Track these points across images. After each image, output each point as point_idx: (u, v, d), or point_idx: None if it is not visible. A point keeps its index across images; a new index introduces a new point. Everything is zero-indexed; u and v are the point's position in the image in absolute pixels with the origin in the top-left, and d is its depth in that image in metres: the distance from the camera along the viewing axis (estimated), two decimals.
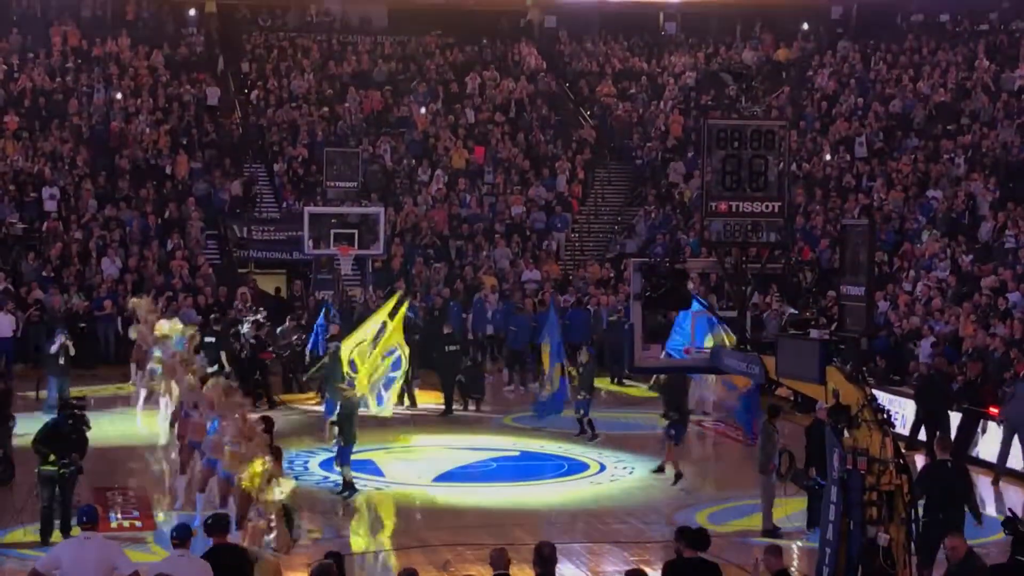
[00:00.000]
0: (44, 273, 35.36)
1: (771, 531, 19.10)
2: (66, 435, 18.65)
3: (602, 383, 30.56)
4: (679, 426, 22.53)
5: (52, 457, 18.22)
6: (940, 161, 39.11)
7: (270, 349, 30.53)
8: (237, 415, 17.76)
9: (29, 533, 18.39)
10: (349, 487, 21.51)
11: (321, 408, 27.78)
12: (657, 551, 18.44)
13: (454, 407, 29.10)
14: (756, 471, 19.63)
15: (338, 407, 22.20)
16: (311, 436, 26.20)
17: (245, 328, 30.06)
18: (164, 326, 26.82)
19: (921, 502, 14.32)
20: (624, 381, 32.57)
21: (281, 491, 15.01)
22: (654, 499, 21.84)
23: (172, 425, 23.06)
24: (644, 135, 45.48)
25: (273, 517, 15.26)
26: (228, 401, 18.39)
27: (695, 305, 16.61)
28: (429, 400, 29.84)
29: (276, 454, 16.75)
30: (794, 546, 18.60)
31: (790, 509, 19.27)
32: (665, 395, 22.93)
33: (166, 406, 25.97)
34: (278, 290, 37.68)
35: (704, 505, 21.38)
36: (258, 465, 15.46)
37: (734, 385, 21.43)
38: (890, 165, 40.00)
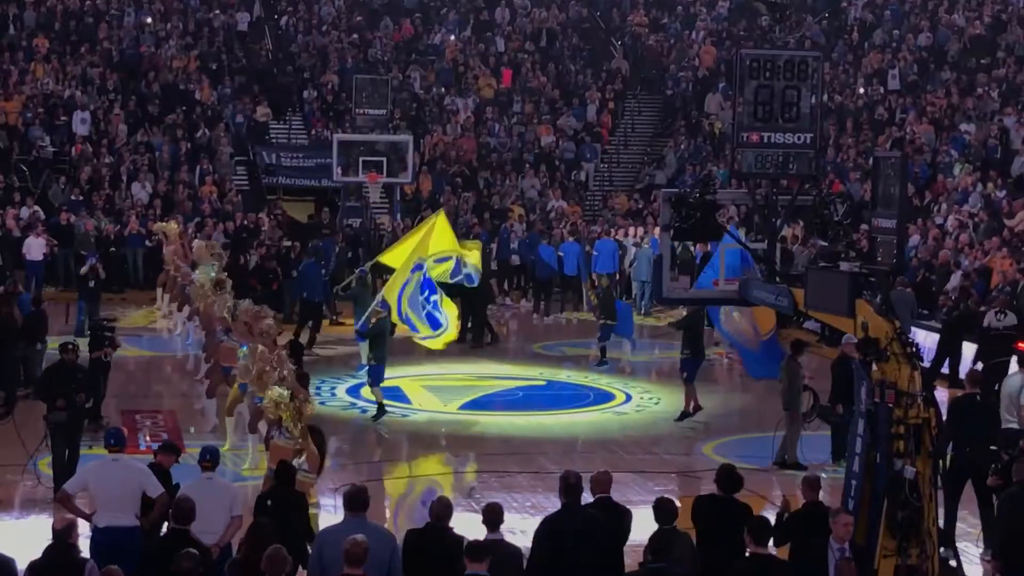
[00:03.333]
0: (72, 197, 35.46)
1: (794, 465, 19.12)
2: (70, 374, 17.14)
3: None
4: (692, 363, 22.32)
5: (60, 402, 16.68)
6: (973, 94, 38.77)
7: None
8: (265, 340, 17.83)
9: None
10: (379, 409, 21.61)
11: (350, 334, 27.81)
12: (682, 481, 18.51)
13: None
14: (781, 407, 19.59)
15: (369, 327, 22.20)
16: (338, 363, 26.32)
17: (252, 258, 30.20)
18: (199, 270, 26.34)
19: None
20: (652, 312, 32.57)
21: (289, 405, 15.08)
22: (679, 430, 21.88)
23: (204, 350, 23.17)
24: (676, 65, 45.17)
25: (299, 437, 15.37)
26: (258, 325, 18.40)
27: (726, 238, 16.49)
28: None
29: (303, 379, 16.82)
30: (819, 477, 18.59)
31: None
32: (685, 333, 22.68)
33: (194, 330, 26.11)
34: (310, 217, 37.64)
35: (727, 436, 21.43)
36: (275, 394, 15.51)
37: (757, 329, 20.97)
38: (923, 98, 39.69)
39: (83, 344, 19.94)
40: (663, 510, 11.83)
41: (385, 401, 21.81)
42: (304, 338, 26.08)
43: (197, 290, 24.19)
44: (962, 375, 22.77)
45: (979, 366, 21.68)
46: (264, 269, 30.13)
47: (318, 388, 23.42)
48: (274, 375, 16.34)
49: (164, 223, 31.72)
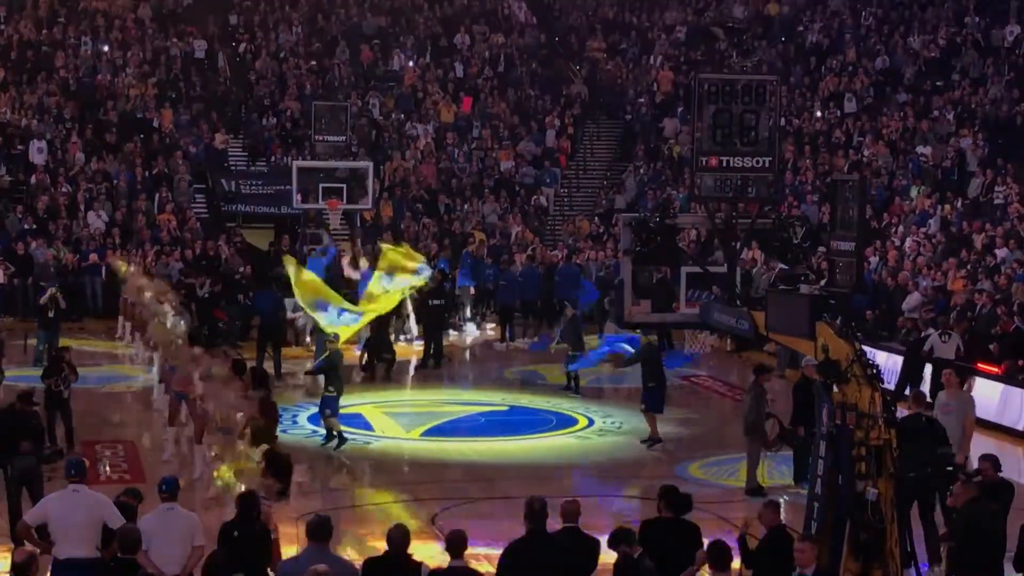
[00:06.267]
0: (25, 226, 35.25)
1: (755, 490, 19.11)
2: (25, 422, 16.68)
3: (591, 339, 30.54)
4: (656, 394, 22.34)
5: (25, 445, 16.12)
6: (929, 117, 39.07)
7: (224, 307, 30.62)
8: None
9: None
10: (338, 438, 21.53)
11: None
12: (644, 506, 18.49)
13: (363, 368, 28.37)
14: (742, 432, 19.62)
15: (323, 358, 22.30)
16: (300, 390, 26.21)
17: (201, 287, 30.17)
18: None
19: None
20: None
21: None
22: (641, 454, 21.88)
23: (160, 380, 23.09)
24: (634, 90, 45.35)
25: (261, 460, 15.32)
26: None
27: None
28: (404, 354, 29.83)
29: (271, 408, 16.74)
30: (781, 500, 18.64)
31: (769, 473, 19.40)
32: (645, 365, 22.67)
33: (154, 361, 25.95)
34: (271, 244, 37.49)
35: (690, 460, 21.44)
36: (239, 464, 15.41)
37: None
38: (880, 121, 39.96)
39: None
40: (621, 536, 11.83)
41: (344, 428, 21.73)
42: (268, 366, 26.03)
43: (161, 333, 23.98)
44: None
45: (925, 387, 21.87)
46: (223, 299, 30.09)
47: (279, 417, 23.31)
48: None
49: (118, 262, 31.59)
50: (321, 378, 22.84)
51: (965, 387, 23.82)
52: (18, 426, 16.58)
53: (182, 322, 24.48)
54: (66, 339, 27.32)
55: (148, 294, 27.02)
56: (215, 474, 15.67)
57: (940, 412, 17.18)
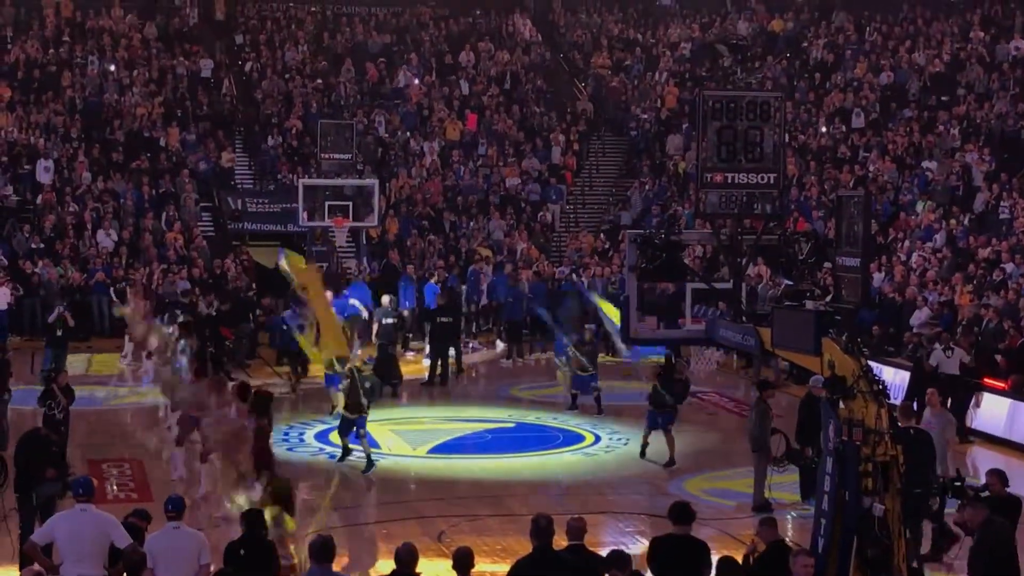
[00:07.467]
0: (33, 245, 35.31)
1: (763, 506, 19.08)
2: (45, 447, 16.54)
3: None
4: (670, 414, 22.29)
5: (51, 472, 16.02)
6: (935, 132, 39.08)
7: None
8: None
9: None
10: (368, 460, 21.47)
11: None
12: (652, 522, 18.48)
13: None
14: (749, 448, 19.60)
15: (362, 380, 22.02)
16: (307, 408, 26.21)
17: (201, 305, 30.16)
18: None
19: None
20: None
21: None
22: (648, 470, 21.87)
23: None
24: (639, 107, 45.41)
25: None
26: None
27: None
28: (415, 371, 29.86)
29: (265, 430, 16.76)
30: (788, 517, 18.65)
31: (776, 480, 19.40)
32: (661, 384, 22.62)
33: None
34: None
35: (696, 476, 21.42)
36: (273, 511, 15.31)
37: None
38: (885, 136, 39.97)
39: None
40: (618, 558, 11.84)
41: (352, 446, 21.70)
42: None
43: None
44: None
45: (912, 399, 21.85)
46: (229, 317, 30.05)
47: (286, 434, 23.35)
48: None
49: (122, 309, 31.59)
50: (338, 397, 22.81)
51: (973, 402, 24.01)
52: (42, 452, 16.45)
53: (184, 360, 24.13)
54: (74, 356, 27.38)
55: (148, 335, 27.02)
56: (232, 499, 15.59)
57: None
